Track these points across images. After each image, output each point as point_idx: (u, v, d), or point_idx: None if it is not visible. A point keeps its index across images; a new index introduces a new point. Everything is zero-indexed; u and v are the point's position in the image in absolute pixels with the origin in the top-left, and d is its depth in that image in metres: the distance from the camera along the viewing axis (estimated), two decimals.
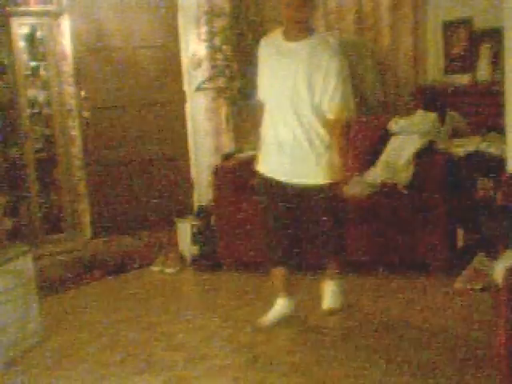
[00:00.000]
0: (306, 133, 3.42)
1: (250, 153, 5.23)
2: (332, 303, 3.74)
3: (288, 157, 3.47)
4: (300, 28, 3.39)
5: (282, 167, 3.51)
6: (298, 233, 3.66)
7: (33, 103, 4.90)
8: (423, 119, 4.71)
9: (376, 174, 4.63)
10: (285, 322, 3.73)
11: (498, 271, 2.55)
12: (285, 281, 3.74)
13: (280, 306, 3.73)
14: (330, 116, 3.44)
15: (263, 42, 3.60)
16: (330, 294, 3.76)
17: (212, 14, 5.39)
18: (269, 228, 3.67)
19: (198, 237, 5.07)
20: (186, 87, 5.64)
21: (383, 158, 4.70)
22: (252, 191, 4.08)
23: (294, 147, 3.45)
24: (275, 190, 3.55)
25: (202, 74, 5.36)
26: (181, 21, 5.57)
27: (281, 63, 3.42)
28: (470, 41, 5.25)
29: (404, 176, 4.47)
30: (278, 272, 3.73)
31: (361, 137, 4.92)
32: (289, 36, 3.42)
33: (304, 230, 3.68)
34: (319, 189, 3.48)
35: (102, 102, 5.51)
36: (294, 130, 3.42)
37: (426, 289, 4.15)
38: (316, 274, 4.51)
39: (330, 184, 3.48)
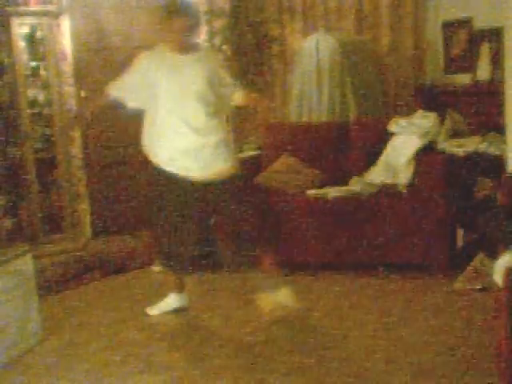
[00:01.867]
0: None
1: (251, 153, 5.25)
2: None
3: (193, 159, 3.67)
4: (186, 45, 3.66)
5: (188, 166, 3.67)
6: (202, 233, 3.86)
7: (33, 103, 4.90)
8: (423, 119, 4.72)
9: (376, 174, 4.63)
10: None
11: (498, 271, 2.55)
12: (179, 279, 4.06)
13: (172, 299, 4.06)
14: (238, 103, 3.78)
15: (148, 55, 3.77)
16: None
17: (212, 13, 5.39)
18: (170, 229, 3.80)
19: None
20: None
21: (383, 158, 4.71)
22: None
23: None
24: (180, 185, 3.69)
25: None
26: None
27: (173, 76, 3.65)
28: (469, 41, 5.26)
29: (404, 176, 4.47)
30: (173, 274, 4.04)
31: (361, 137, 4.93)
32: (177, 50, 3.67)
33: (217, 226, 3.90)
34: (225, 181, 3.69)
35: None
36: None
37: (426, 289, 4.15)
38: (316, 273, 4.53)
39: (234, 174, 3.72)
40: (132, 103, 3.78)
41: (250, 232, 3.75)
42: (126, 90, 3.74)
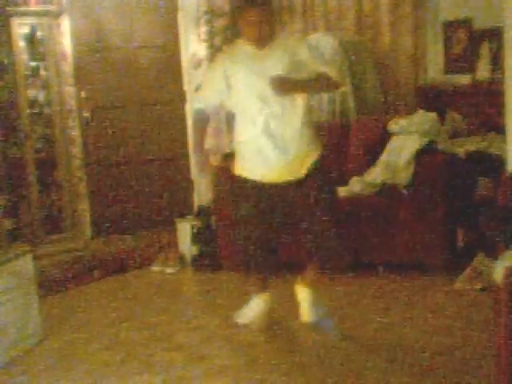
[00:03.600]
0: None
1: None
2: (311, 316, 3.49)
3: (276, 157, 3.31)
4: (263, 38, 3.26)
5: (269, 168, 3.32)
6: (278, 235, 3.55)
7: (33, 103, 4.90)
8: (423, 119, 4.71)
9: (376, 174, 4.63)
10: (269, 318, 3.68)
11: (498, 271, 2.55)
12: (264, 280, 3.65)
13: (258, 303, 3.62)
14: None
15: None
16: (307, 304, 3.50)
17: (212, 13, 5.39)
18: (252, 235, 3.46)
19: (197, 237, 5.07)
20: (185, 87, 5.64)
21: (383, 158, 4.70)
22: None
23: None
24: (262, 192, 3.36)
25: (201, 73, 5.36)
26: (181, 21, 5.58)
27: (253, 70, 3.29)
28: (470, 41, 5.26)
29: (404, 176, 4.47)
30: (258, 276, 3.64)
31: (361, 137, 4.92)
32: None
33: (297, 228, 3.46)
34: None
35: (102, 101, 5.51)
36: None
37: (426, 289, 4.15)
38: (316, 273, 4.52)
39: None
40: (226, 106, 3.51)
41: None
42: (212, 97, 3.44)
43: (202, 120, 3.53)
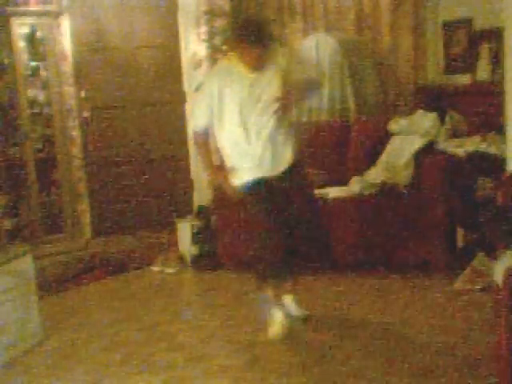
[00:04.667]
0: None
1: None
2: (302, 311, 3.79)
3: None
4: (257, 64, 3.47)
5: (261, 166, 3.57)
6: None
7: (33, 103, 4.90)
8: (423, 119, 4.72)
9: (376, 174, 4.63)
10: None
11: (498, 271, 2.55)
12: (279, 290, 3.74)
13: (279, 314, 3.66)
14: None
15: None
16: (294, 305, 3.80)
17: (212, 13, 5.39)
18: (268, 230, 3.56)
19: (197, 237, 5.07)
20: (185, 87, 5.64)
21: (383, 158, 4.70)
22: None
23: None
24: (262, 188, 3.58)
25: (201, 73, 5.36)
26: (181, 21, 5.58)
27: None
28: (469, 41, 5.25)
29: (404, 176, 4.47)
30: (272, 284, 3.69)
31: (361, 137, 4.92)
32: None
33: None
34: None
35: (102, 101, 5.51)
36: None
37: (426, 289, 4.15)
38: (316, 273, 4.53)
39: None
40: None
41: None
42: (204, 116, 3.59)
43: (202, 138, 3.68)
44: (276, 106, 3.41)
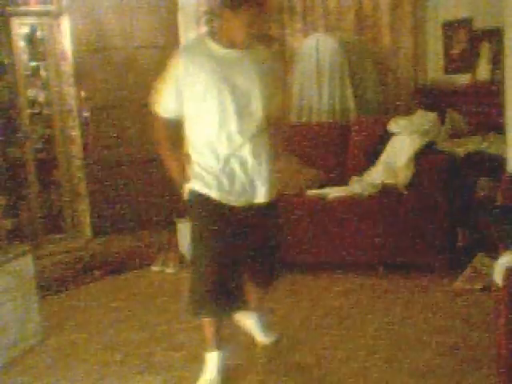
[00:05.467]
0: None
1: None
2: (270, 335, 3.47)
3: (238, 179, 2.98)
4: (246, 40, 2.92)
5: (232, 190, 2.97)
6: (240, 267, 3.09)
7: (33, 103, 4.89)
8: (423, 119, 4.72)
9: (376, 174, 4.63)
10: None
11: (498, 271, 2.55)
12: (220, 331, 3.19)
13: (215, 361, 3.17)
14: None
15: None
16: (262, 326, 3.46)
17: (212, 13, 5.39)
18: (212, 265, 2.95)
19: None
20: None
21: (383, 158, 4.71)
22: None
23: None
24: (221, 214, 2.97)
25: None
26: (181, 21, 5.57)
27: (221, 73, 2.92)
28: (469, 41, 5.25)
29: (404, 176, 4.47)
30: (213, 321, 3.15)
31: (361, 137, 4.93)
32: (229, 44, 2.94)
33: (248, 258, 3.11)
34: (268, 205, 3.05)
35: (101, 101, 5.51)
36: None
37: (426, 289, 4.15)
38: (316, 273, 4.53)
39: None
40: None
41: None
42: (176, 102, 3.01)
43: (165, 128, 3.07)
44: (262, 120, 2.94)
